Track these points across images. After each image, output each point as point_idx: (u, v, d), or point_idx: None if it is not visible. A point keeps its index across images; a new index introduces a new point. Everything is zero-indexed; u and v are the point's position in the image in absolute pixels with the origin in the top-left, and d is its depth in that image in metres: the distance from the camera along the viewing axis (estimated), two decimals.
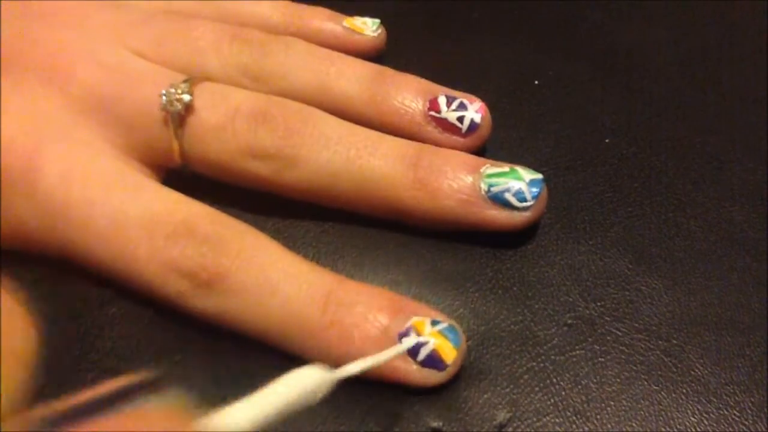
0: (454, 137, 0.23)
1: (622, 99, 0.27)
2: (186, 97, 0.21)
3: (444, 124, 0.23)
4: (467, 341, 0.20)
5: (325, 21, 0.26)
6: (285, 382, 0.14)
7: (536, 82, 0.27)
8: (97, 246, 0.19)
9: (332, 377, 0.15)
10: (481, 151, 0.23)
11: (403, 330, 0.18)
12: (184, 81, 0.21)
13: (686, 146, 0.25)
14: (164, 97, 0.21)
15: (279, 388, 0.14)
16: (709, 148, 0.25)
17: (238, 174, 0.21)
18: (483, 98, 0.24)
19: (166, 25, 0.23)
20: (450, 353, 0.18)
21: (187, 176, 0.22)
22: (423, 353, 0.18)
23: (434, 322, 0.18)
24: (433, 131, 0.23)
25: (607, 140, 0.25)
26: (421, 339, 0.18)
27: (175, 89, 0.21)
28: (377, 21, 0.27)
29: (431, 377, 0.18)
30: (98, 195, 0.20)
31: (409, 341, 0.18)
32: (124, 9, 0.24)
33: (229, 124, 0.21)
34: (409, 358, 0.18)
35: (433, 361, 0.18)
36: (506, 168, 0.21)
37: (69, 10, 0.23)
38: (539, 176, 0.21)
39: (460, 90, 0.24)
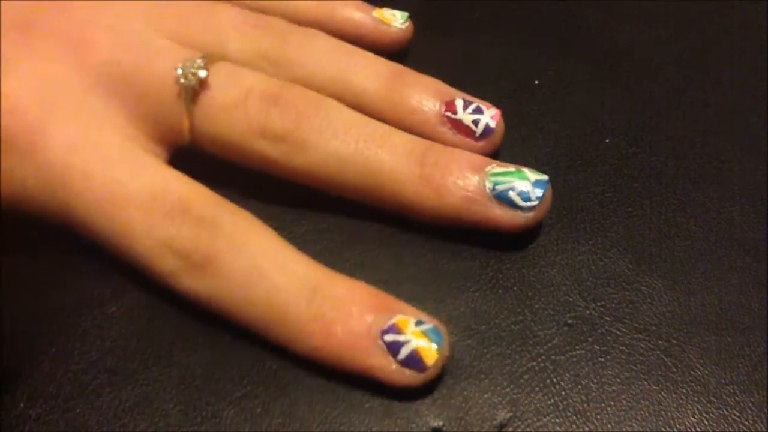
0: (468, 140, 0.23)
1: (622, 99, 0.27)
2: (201, 73, 0.21)
3: (459, 126, 0.23)
4: (467, 340, 0.20)
5: (354, 10, 0.26)
6: None
7: (536, 82, 0.27)
8: (95, 218, 0.20)
9: None
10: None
11: (385, 327, 0.18)
12: (201, 58, 0.21)
13: (686, 146, 0.25)
14: (180, 71, 0.21)
15: None
16: (709, 148, 0.25)
17: (247, 154, 0.21)
18: (483, 98, 0.24)
19: (190, 6, 0.23)
20: (431, 355, 0.18)
21: (194, 158, 0.22)
22: (403, 352, 0.18)
23: (418, 322, 0.18)
24: (447, 132, 0.23)
25: (607, 140, 0.25)
26: (402, 337, 0.18)
27: (192, 64, 0.21)
28: (406, 14, 0.27)
29: (410, 378, 0.18)
30: (98, 168, 0.20)
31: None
32: None
33: (241, 103, 0.21)
34: (389, 356, 0.18)
35: (414, 361, 0.18)
36: (512, 168, 0.21)
37: None
38: (545, 177, 0.21)
39: (460, 90, 0.24)
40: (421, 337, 0.18)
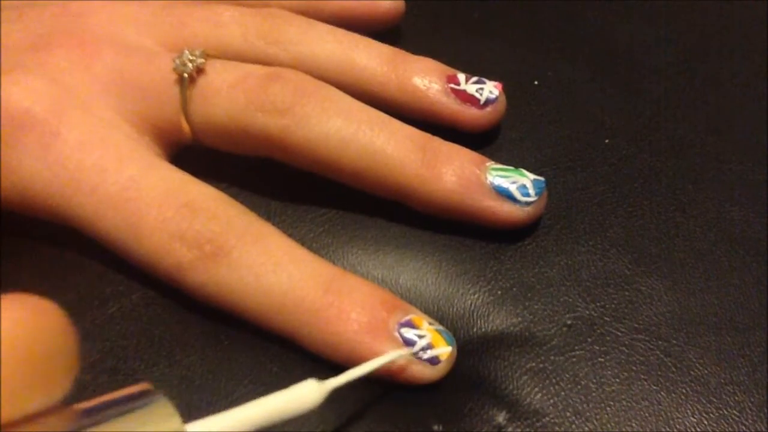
0: (473, 109, 0.23)
1: (622, 99, 0.27)
2: (199, 60, 0.21)
3: (463, 96, 0.23)
4: (467, 342, 0.20)
5: None
6: (281, 396, 0.14)
7: (536, 83, 0.27)
8: (104, 213, 0.20)
9: (328, 389, 0.15)
10: (482, 150, 0.23)
11: (403, 321, 0.18)
12: (200, 51, 0.22)
13: (686, 146, 0.25)
14: (177, 60, 0.21)
15: (272, 400, 0.14)
16: (709, 148, 0.25)
17: (245, 132, 0.21)
18: None
19: (188, 8, 0.24)
20: (445, 350, 0.18)
21: (196, 161, 0.22)
22: (418, 346, 0.18)
23: (430, 322, 0.19)
24: (452, 102, 0.23)
25: (607, 140, 0.25)
26: (417, 331, 0.18)
27: (190, 53, 0.21)
28: None
29: (425, 371, 0.18)
30: (112, 164, 0.20)
31: (409, 349, 0.18)
32: (148, 1, 0.24)
33: (240, 82, 0.21)
34: (405, 348, 0.18)
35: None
36: (511, 167, 0.21)
37: (101, 7, 0.24)
38: (542, 179, 0.21)
39: None
40: (435, 334, 0.19)
